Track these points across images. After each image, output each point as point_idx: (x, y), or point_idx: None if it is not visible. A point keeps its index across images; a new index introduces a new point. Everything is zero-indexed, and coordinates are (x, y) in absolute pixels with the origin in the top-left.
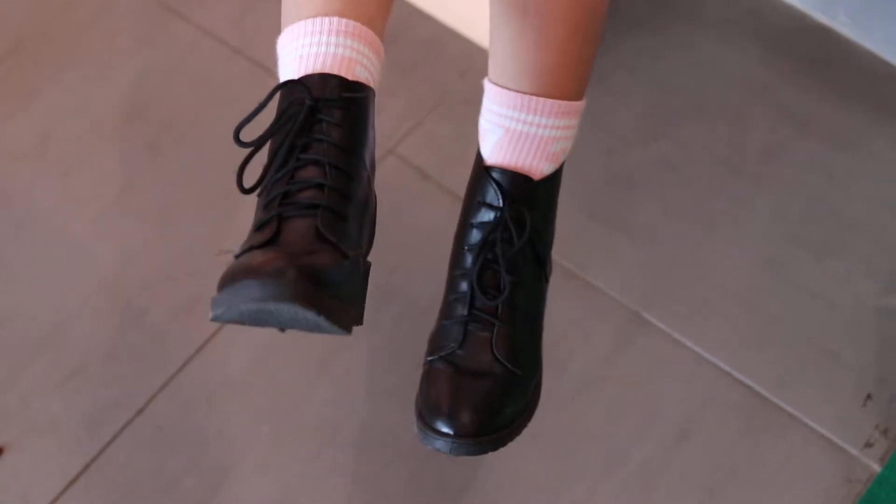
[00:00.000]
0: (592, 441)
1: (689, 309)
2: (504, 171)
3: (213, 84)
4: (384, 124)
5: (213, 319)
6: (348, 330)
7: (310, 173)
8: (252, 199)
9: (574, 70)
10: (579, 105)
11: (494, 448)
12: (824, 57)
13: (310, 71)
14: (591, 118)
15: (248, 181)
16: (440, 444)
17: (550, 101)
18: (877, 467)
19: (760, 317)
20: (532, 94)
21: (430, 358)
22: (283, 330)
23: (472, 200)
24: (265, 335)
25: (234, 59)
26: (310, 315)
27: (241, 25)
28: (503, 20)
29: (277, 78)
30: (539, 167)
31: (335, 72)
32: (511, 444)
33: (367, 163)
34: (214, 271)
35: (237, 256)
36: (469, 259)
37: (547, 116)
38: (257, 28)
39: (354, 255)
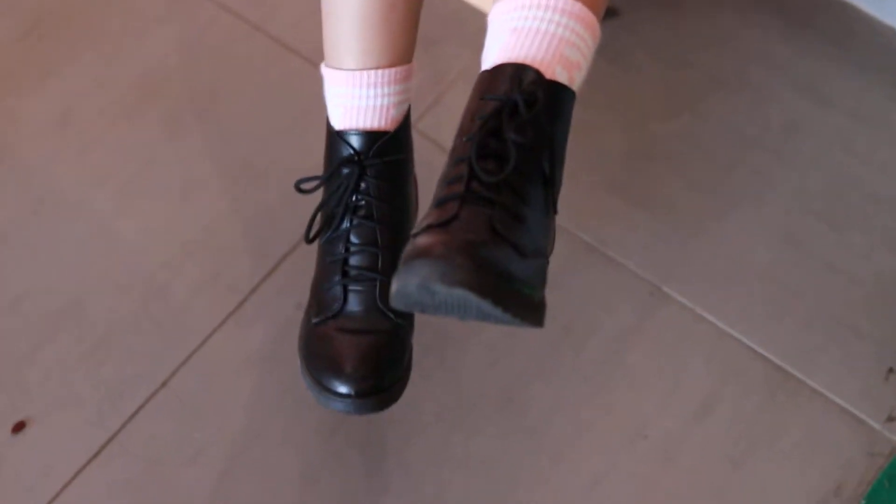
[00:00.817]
0: (613, 414)
1: (710, 283)
2: (514, 63)
3: (232, 60)
4: None
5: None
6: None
7: (364, 237)
8: (275, 179)
9: None
10: (593, 19)
11: (500, 305)
12: (844, 32)
13: (354, 125)
14: (610, 94)
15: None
16: (414, 281)
17: None
18: None
19: (781, 291)
20: None
21: (415, 231)
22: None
23: (476, 102)
24: (288, 313)
25: (253, 35)
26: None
27: (260, 1)
28: None
29: (299, 60)
30: (552, 66)
31: (376, 125)
32: (534, 418)
33: (412, 192)
34: (236, 247)
35: (315, 324)
36: (467, 146)
37: (560, 14)
38: (277, 4)
39: (406, 324)
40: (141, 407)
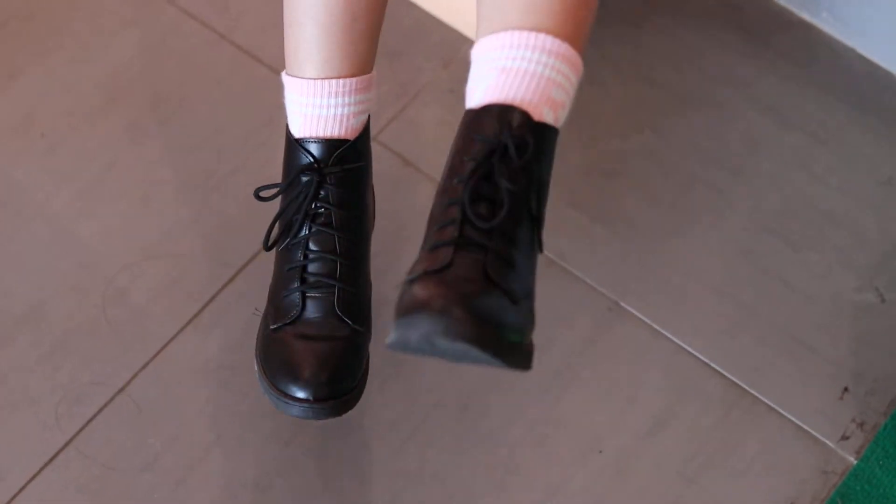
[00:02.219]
0: (568, 428)
1: (668, 299)
2: (502, 105)
3: (197, 67)
4: None
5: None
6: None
7: (323, 244)
8: (236, 187)
9: (572, 12)
10: (577, 58)
11: (496, 356)
12: (806, 53)
13: (314, 134)
14: (572, 109)
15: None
16: (415, 336)
17: (549, 36)
18: (853, 460)
19: (738, 308)
20: (529, 30)
21: (409, 277)
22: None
23: (463, 143)
24: (247, 321)
25: (218, 43)
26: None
27: (225, 9)
28: None
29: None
30: (539, 108)
31: (336, 133)
32: (489, 429)
33: (370, 201)
34: (196, 254)
35: (273, 330)
36: (459, 189)
37: (547, 55)
38: (242, 12)
39: (365, 331)
40: (98, 412)
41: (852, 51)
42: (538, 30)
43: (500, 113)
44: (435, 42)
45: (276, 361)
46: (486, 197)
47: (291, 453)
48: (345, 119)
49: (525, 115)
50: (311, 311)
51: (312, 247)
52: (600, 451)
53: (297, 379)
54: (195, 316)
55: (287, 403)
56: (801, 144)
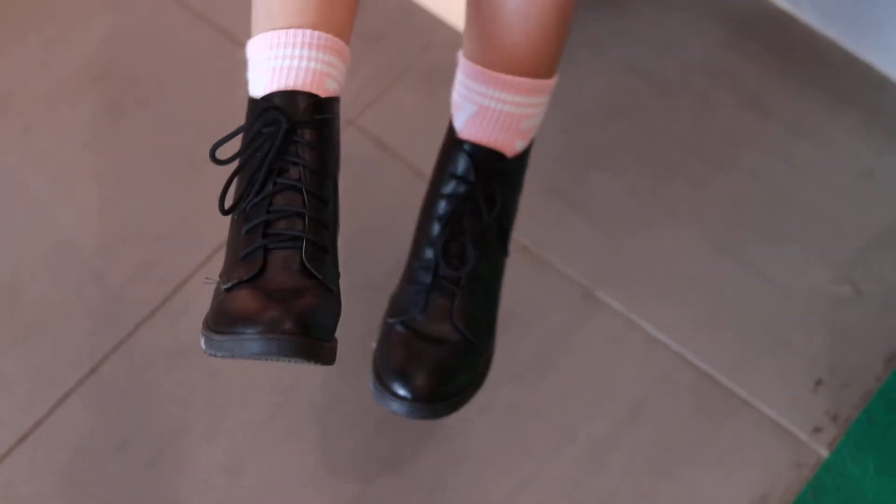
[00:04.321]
0: (543, 418)
1: (644, 289)
2: (477, 145)
3: (176, 49)
4: (346, 95)
5: (210, 355)
6: (333, 363)
7: (288, 200)
8: (211, 168)
9: (549, 49)
10: (552, 82)
11: (448, 413)
12: (787, 44)
13: (282, 86)
14: (553, 95)
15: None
16: (396, 406)
17: (525, 79)
18: (825, 452)
19: (715, 300)
20: (506, 74)
21: (390, 320)
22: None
23: (443, 171)
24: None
25: (197, 24)
26: (303, 362)
27: None
28: (482, 1)
29: (243, 51)
30: (511, 143)
31: (307, 88)
32: (462, 419)
33: (334, 172)
34: (171, 237)
35: (227, 289)
36: (436, 228)
37: (521, 95)
38: None
39: (336, 288)
40: (69, 393)
41: (832, 42)
42: (515, 73)
43: (473, 152)
44: (416, 26)
45: (230, 314)
46: (457, 252)
47: (263, 439)
48: (316, 74)
49: (500, 156)
50: (276, 267)
51: (278, 204)
52: (574, 441)
53: (255, 321)
54: (168, 298)
55: (243, 340)
56: (781, 136)
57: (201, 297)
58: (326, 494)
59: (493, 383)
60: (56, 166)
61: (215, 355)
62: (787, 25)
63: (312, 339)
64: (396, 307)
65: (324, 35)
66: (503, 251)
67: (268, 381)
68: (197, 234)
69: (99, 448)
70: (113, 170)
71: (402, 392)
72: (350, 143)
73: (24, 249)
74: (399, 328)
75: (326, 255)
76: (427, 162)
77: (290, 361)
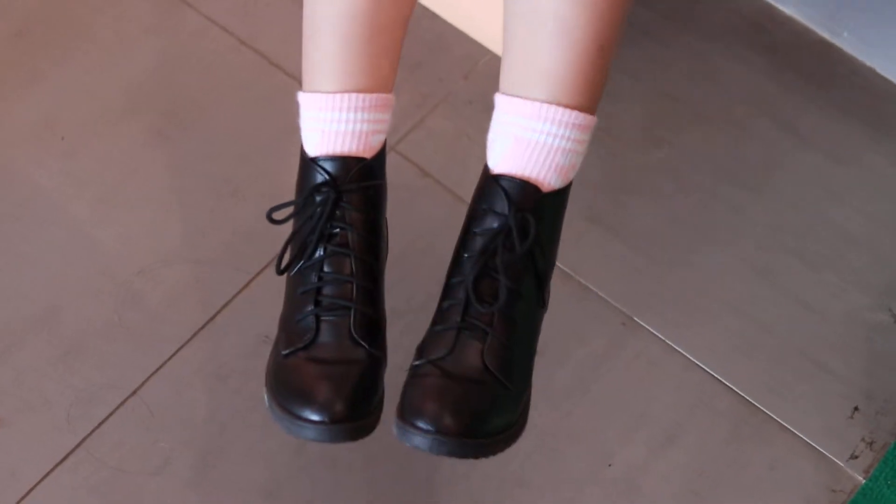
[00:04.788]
0: (580, 442)
1: (682, 315)
2: (512, 178)
3: (218, 74)
4: None
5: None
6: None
7: (338, 266)
8: (255, 194)
9: (589, 81)
10: (591, 119)
11: (476, 455)
12: (827, 72)
13: (331, 151)
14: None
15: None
16: (419, 440)
17: (563, 109)
18: (861, 479)
19: (752, 326)
20: (543, 101)
21: (416, 362)
22: None
23: (478, 208)
24: (260, 328)
25: (240, 49)
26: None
27: (248, 16)
28: (520, 27)
29: (286, 78)
30: (548, 178)
31: (355, 152)
32: None
33: (385, 226)
34: (212, 261)
35: (285, 356)
36: (468, 266)
37: (558, 126)
38: (264, 20)
39: (382, 356)
40: (110, 414)
41: (872, 70)
42: (556, 103)
43: (506, 184)
44: (456, 54)
45: (288, 386)
46: (489, 289)
47: (302, 461)
48: (363, 136)
49: (535, 189)
50: (326, 335)
51: (327, 269)
52: (610, 465)
53: (310, 402)
54: (209, 321)
55: (300, 426)
56: (820, 164)
57: (242, 320)
58: None
59: (531, 407)
60: (98, 190)
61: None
62: (826, 54)
63: (359, 423)
64: (423, 350)
65: (370, 96)
66: (539, 299)
67: None
68: (238, 259)
69: (138, 469)
70: (155, 194)
71: (424, 426)
72: (391, 169)
73: (65, 272)
74: (425, 368)
75: (375, 323)
76: (466, 188)
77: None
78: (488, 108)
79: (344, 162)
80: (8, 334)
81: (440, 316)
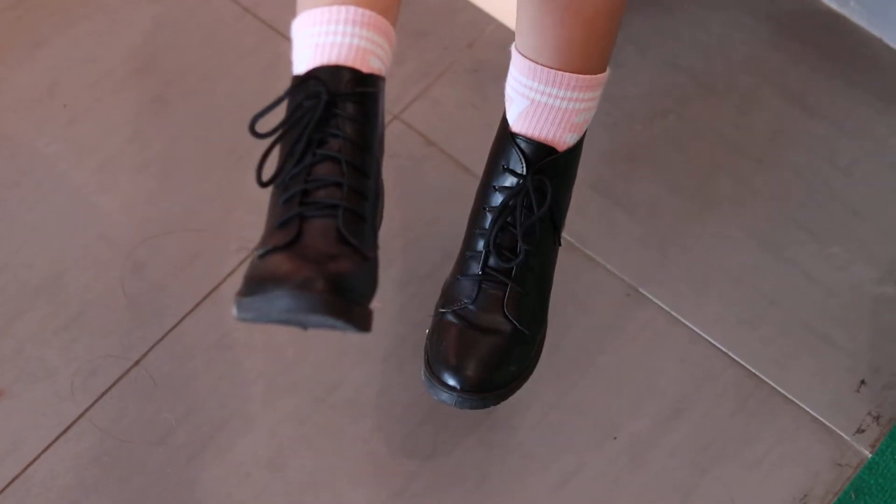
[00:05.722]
0: (585, 414)
1: (687, 287)
2: (529, 140)
3: (221, 41)
4: (391, 90)
5: (240, 320)
6: (368, 330)
7: (327, 170)
8: (255, 160)
9: (600, 45)
10: (603, 77)
11: (497, 402)
12: (834, 43)
13: (325, 61)
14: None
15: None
16: (445, 396)
17: (576, 76)
18: (867, 453)
19: (758, 298)
20: (558, 69)
21: (442, 309)
22: (305, 329)
23: (496, 164)
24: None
25: (243, 17)
26: (338, 323)
27: None
28: None
29: (288, 44)
30: (563, 138)
31: (350, 63)
32: (504, 415)
33: (378, 152)
34: (215, 229)
35: (260, 256)
36: (488, 219)
37: (572, 90)
38: None
39: (373, 256)
40: (113, 384)
41: (879, 41)
42: (567, 68)
43: (527, 149)
44: (461, 22)
45: (263, 274)
46: (508, 243)
47: (306, 432)
48: (359, 51)
49: (550, 150)
50: (312, 235)
51: (316, 175)
52: (615, 438)
53: (287, 280)
54: (212, 291)
55: (272, 299)
56: (826, 135)
57: None
58: (369, 487)
59: (535, 379)
60: (100, 157)
61: (245, 319)
62: (833, 24)
63: (345, 300)
64: (449, 297)
65: (367, 12)
66: (555, 241)
67: (311, 374)
68: (241, 227)
69: (141, 439)
70: (157, 161)
71: (451, 382)
72: (395, 138)
73: (67, 240)
74: (451, 318)
75: (364, 225)
76: (471, 157)
77: (322, 326)
78: (493, 77)
79: (339, 70)
80: (10, 303)
81: (463, 265)
